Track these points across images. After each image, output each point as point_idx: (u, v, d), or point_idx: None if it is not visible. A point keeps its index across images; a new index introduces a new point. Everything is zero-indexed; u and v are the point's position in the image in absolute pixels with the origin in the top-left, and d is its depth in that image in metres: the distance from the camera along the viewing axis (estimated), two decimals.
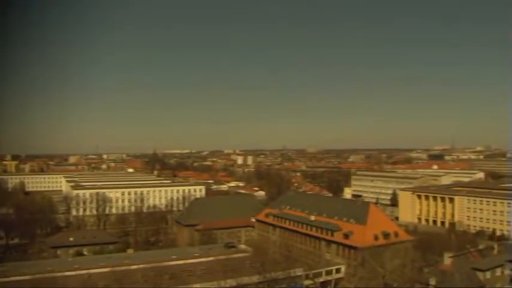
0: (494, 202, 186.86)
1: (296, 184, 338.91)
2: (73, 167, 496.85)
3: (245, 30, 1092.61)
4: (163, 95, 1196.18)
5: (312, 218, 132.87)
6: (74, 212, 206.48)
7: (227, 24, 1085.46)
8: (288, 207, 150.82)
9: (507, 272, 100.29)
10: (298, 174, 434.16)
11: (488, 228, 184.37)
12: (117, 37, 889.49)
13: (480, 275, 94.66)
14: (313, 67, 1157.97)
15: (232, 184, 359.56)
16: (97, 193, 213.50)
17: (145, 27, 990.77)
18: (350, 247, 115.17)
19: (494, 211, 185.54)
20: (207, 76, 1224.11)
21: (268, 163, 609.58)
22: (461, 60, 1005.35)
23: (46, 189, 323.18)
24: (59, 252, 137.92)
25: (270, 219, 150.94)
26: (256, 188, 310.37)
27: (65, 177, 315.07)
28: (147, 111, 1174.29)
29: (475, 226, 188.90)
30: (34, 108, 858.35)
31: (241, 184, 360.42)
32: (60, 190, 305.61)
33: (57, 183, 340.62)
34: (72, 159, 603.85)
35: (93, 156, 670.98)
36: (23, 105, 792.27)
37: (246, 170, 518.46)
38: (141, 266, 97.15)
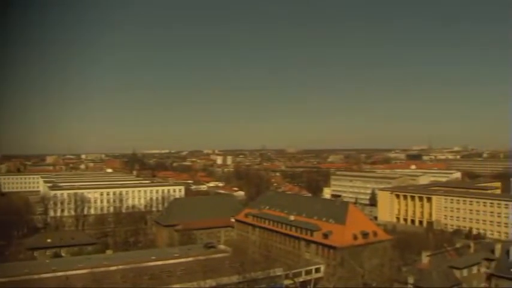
0: (471, 201, 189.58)
1: (275, 184, 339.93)
2: (50, 167, 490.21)
3: (241, 30, 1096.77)
4: (149, 95, 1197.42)
5: (292, 218, 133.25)
6: (51, 213, 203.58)
7: (227, 24, 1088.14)
8: (268, 207, 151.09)
9: (483, 269, 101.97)
10: (277, 174, 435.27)
11: (465, 227, 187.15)
12: (117, 37, 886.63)
13: (457, 273, 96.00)
14: (298, 67, 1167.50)
15: (212, 184, 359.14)
16: (75, 193, 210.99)
17: (145, 27, 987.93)
18: (329, 247, 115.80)
19: (471, 210, 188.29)
20: (191, 77, 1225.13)
21: (247, 163, 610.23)
22: (460, 60, 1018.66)
23: (23, 189, 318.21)
24: (36, 254, 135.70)
25: (249, 219, 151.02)
26: (235, 188, 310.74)
27: (43, 177, 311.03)
28: (135, 111, 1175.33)
29: (452, 225, 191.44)
30: (34, 108, 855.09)
31: (220, 184, 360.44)
32: (38, 191, 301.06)
33: (34, 183, 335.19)
34: (49, 160, 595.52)
35: (71, 156, 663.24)
36: (23, 105, 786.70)
37: (226, 170, 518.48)
38: (120, 267, 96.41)
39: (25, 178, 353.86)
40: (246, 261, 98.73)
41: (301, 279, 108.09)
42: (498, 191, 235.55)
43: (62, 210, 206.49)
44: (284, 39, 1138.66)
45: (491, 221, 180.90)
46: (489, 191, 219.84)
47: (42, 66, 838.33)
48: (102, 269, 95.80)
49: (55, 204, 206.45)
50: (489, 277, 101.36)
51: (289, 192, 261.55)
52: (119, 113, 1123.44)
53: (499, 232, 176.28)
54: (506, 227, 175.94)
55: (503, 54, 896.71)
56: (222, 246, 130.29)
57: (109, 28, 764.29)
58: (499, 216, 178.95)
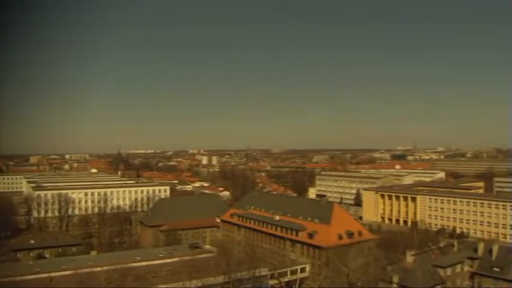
0: (454, 201, 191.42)
1: (261, 184, 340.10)
2: (34, 168, 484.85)
3: (233, 31, 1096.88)
4: (134, 95, 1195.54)
5: (277, 218, 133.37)
6: (35, 214, 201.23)
7: (220, 24, 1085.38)
8: (253, 207, 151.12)
9: (466, 268, 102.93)
10: (263, 174, 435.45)
11: (448, 226, 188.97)
12: (117, 37, 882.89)
13: (441, 271, 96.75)
14: (283, 68, 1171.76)
15: (197, 184, 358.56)
16: (59, 194, 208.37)
17: (142, 27, 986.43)
18: (314, 246, 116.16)
19: (455, 210, 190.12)
20: (177, 77, 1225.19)
21: (233, 163, 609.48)
22: (447, 61, 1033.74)
23: (6, 190, 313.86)
24: (19, 255, 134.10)
25: (235, 220, 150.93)
26: (221, 188, 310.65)
27: (26, 177, 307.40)
28: (121, 111, 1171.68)
29: (436, 224, 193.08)
30: (34, 108, 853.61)
31: (206, 184, 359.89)
32: (21, 191, 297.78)
33: (17, 184, 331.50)
34: (33, 160, 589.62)
35: (55, 156, 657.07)
36: (23, 105, 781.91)
37: (211, 170, 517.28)
38: (104, 268, 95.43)
39: (8, 178, 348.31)
40: (232, 262, 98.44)
41: (286, 279, 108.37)
42: (481, 191, 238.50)
43: (46, 211, 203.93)
44: (272, 40, 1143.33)
45: (474, 220, 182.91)
46: (472, 191, 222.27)
47: (42, 66, 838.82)
48: (87, 270, 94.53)
49: (39, 204, 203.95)
50: (472, 276, 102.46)
51: (275, 192, 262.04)
52: (104, 113, 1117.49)
53: (482, 231, 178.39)
54: (488, 226, 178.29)
55: (491, 55, 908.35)
56: (207, 247, 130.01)
57: (109, 28, 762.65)
58: (482, 216, 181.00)
